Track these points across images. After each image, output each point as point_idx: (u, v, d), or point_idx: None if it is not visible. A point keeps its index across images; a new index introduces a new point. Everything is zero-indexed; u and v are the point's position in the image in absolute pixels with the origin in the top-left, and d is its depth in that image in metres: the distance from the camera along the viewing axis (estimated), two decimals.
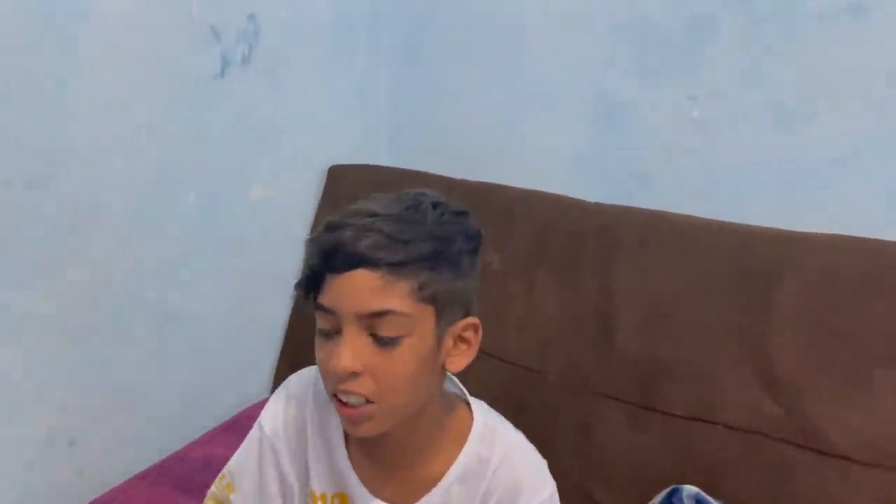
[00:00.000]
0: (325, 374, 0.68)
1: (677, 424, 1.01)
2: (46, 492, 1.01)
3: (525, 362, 1.13)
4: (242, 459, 0.77)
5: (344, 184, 1.39)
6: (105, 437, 1.04)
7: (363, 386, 0.65)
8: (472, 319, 0.72)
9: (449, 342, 0.70)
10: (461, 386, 0.79)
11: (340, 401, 0.67)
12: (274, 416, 0.76)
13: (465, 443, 0.74)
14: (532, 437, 1.10)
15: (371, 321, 0.65)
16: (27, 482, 0.98)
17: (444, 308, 0.68)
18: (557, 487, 0.76)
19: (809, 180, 1.12)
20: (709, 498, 0.93)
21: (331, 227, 0.67)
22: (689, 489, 0.94)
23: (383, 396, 0.66)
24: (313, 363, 0.73)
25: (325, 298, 0.66)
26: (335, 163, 1.40)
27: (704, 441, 0.99)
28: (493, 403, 1.14)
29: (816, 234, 1.00)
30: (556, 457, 1.08)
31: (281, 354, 1.38)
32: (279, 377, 1.21)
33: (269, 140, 1.26)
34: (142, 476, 1.08)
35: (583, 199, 1.17)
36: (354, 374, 0.65)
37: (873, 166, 1.09)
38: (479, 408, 0.78)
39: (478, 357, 1.15)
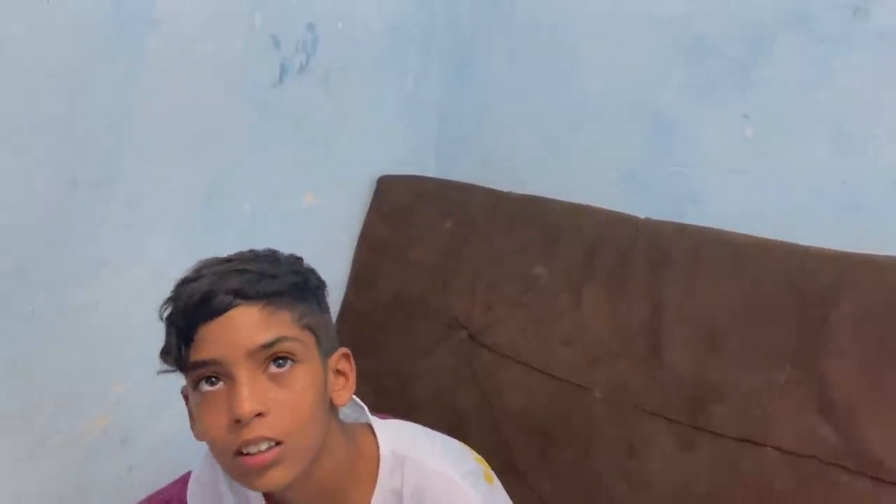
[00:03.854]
0: (222, 434, 0.63)
1: (726, 446, 0.99)
2: (97, 487, 1.02)
3: (571, 378, 1.12)
4: None
5: (392, 194, 1.40)
6: (156, 436, 1.05)
7: (270, 427, 0.62)
8: (344, 349, 0.72)
9: (331, 376, 0.70)
10: (364, 408, 0.76)
11: (246, 454, 0.62)
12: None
13: (377, 477, 0.71)
14: (576, 453, 1.10)
15: (263, 354, 0.63)
16: (78, 477, 1.00)
17: (321, 338, 0.68)
18: None
19: (867, 203, 1.10)
20: None
21: (188, 280, 0.65)
22: None
23: (290, 434, 0.63)
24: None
25: (203, 352, 0.63)
26: (383, 173, 1.42)
27: (754, 463, 0.97)
28: (537, 419, 1.15)
29: (875, 255, 0.98)
30: (600, 474, 1.08)
31: None
32: None
33: (321, 148, 1.28)
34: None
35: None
36: (260, 416, 0.62)
37: None
38: (385, 430, 0.74)
39: (523, 371, 1.17)
